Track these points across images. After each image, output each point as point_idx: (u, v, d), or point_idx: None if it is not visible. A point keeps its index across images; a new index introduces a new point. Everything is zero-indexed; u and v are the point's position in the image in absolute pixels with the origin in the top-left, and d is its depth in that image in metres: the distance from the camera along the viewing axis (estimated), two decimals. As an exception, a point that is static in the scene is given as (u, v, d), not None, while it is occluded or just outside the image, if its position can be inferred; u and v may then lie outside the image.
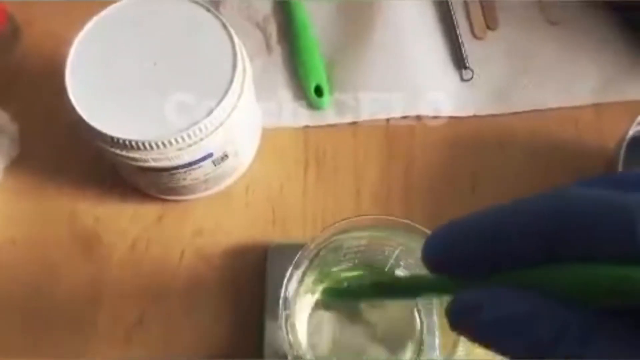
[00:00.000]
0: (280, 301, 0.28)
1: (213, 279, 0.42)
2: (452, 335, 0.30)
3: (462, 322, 0.18)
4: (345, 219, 0.30)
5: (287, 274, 0.29)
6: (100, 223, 0.44)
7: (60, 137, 0.46)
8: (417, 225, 0.29)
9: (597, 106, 0.46)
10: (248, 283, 0.42)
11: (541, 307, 0.16)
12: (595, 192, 0.17)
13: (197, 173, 0.39)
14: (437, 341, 0.32)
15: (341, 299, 0.32)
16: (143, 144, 0.35)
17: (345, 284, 0.32)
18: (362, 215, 0.30)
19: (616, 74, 0.47)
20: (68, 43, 0.37)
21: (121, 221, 0.44)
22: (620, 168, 0.38)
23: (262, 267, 0.41)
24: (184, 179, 0.39)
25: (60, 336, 0.41)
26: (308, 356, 0.30)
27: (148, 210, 0.44)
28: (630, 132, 0.39)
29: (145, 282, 0.42)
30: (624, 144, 0.38)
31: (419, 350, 0.33)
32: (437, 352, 0.31)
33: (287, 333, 0.27)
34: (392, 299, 0.26)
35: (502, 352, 0.17)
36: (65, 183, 0.45)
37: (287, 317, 0.28)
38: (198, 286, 0.42)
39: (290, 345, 0.28)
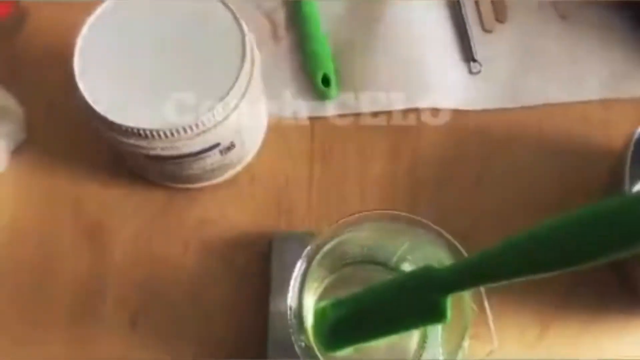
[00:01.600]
0: (289, 293, 0.28)
1: (217, 268, 0.42)
2: (456, 330, 0.30)
3: None
4: (353, 214, 0.30)
5: (296, 270, 0.28)
6: (105, 210, 0.44)
7: (67, 122, 0.46)
8: (423, 220, 0.29)
9: (605, 102, 0.46)
10: (252, 272, 0.42)
11: None
12: None
13: (204, 162, 0.39)
14: (439, 336, 0.32)
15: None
16: (152, 133, 0.35)
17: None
18: (367, 210, 0.30)
19: (625, 71, 0.47)
20: (74, 28, 0.37)
21: (126, 208, 0.44)
22: (627, 165, 0.38)
23: (266, 256, 0.41)
24: (191, 168, 0.39)
25: (63, 323, 0.41)
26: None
27: (153, 198, 0.44)
28: (639, 130, 0.38)
29: (149, 271, 0.42)
30: (632, 142, 0.38)
31: (423, 344, 0.33)
32: (440, 349, 0.31)
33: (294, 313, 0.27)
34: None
35: None
36: (71, 169, 0.45)
37: (297, 309, 0.28)
38: (203, 275, 0.42)
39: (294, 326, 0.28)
